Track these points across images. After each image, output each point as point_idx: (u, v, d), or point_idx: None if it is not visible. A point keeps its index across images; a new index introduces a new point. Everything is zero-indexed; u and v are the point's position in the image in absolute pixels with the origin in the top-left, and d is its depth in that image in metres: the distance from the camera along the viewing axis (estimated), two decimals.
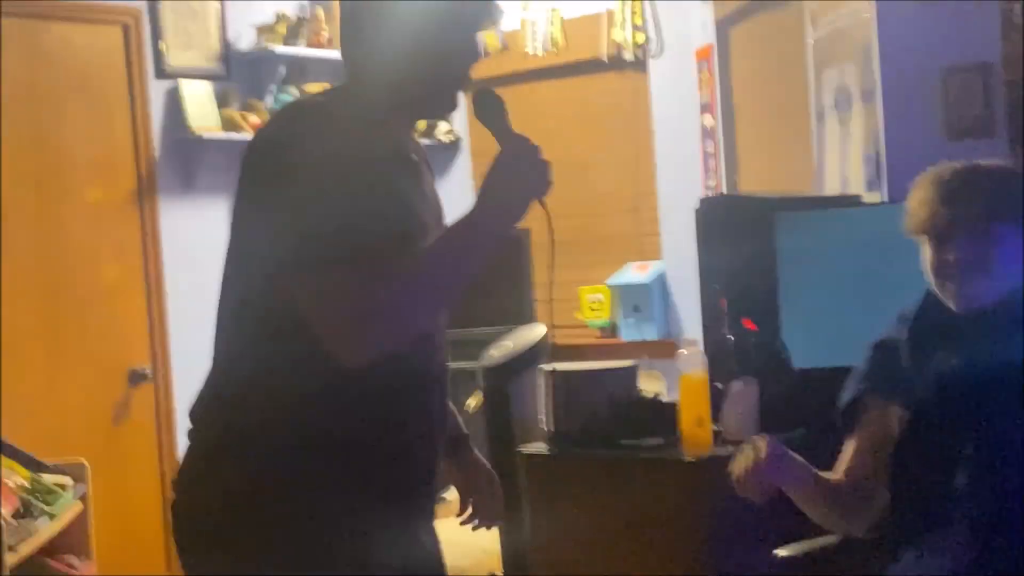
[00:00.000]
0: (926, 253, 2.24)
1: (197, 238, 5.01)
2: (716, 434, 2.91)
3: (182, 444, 2.04)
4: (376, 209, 1.80)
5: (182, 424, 5.01)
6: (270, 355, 1.87)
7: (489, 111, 1.91)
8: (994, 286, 2.19)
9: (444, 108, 2.04)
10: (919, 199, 2.23)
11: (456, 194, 5.86)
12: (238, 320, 1.93)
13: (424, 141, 5.66)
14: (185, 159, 5.05)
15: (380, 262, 1.76)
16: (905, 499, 2.24)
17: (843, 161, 3.60)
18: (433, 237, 1.95)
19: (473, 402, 3.85)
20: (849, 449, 2.34)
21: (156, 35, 4.95)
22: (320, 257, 1.75)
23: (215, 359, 1.98)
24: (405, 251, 1.83)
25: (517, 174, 1.85)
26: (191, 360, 4.80)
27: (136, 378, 4.83)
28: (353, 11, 2.00)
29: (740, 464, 2.19)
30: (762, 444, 2.19)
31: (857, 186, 3.48)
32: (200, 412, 1.97)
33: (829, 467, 2.35)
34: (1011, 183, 2.23)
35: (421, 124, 5.45)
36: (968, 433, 2.16)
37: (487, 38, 2.11)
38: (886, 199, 3.32)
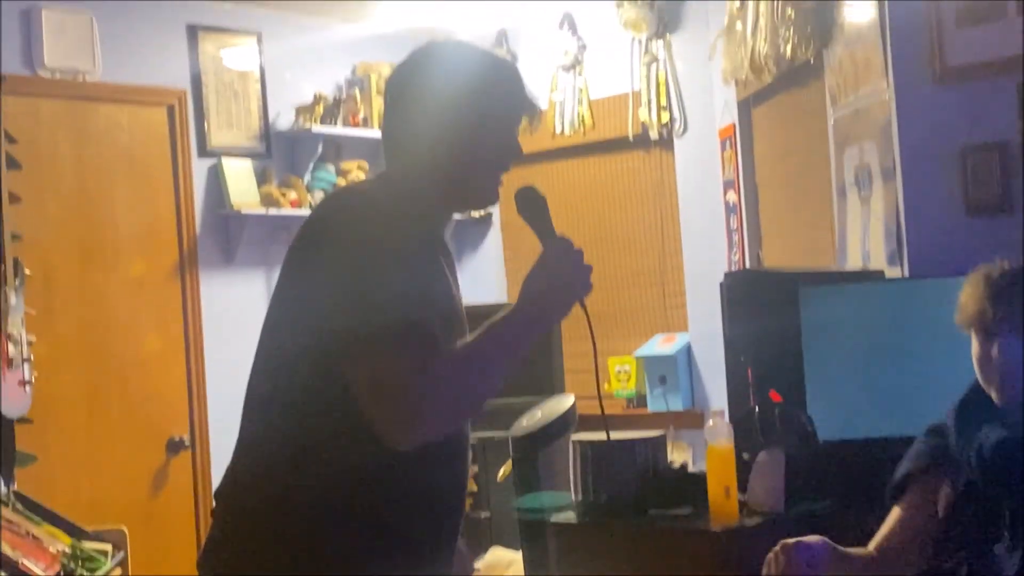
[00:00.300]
0: (974, 347, 2.27)
1: (236, 309, 5.05)
2: (743, 504, 2.89)
3: None
4: (426, 296, 1.81)
5: None
6: (310, 434, 1.85)
7: (532, 210, 1.93)
8: None
9: (486, 202, 2.08)
10: (969, 295, 2.27)
11: (488, 266, 5.90)
12: (276, 399, 1.90)
13: (456, 216, 5.70)
14: (225, 233, 5.11)
15: (431, 348, 1.76)
16: (950, 565, 2.25)
17: (864, 236, 3.60)
18: (462, 324, 1.96)
19: (502, 471, 3.83)
20: (892, 519, 2.36)
21: (200, 115, 5.04)
22: (373, 341, 1.74)
23: (249, 438, 1.95)
24: (451, 338, 1.84)
25: (559, 276, 1.87)
26: (229, 429, 4.82)
27: (175, 446, 4.85)
28: (399, 109, 2.00)
29: None
30: (783, 556, 2.18)
31: (878, 261, 3.48)
32: (229, 490, 1.95)
33: (855, 538, 2.33)
34: None
35: None
36: (1008, 507, 2.17)
37: None
38: (907, 274, 3.31)
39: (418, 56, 2.02)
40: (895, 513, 2.35)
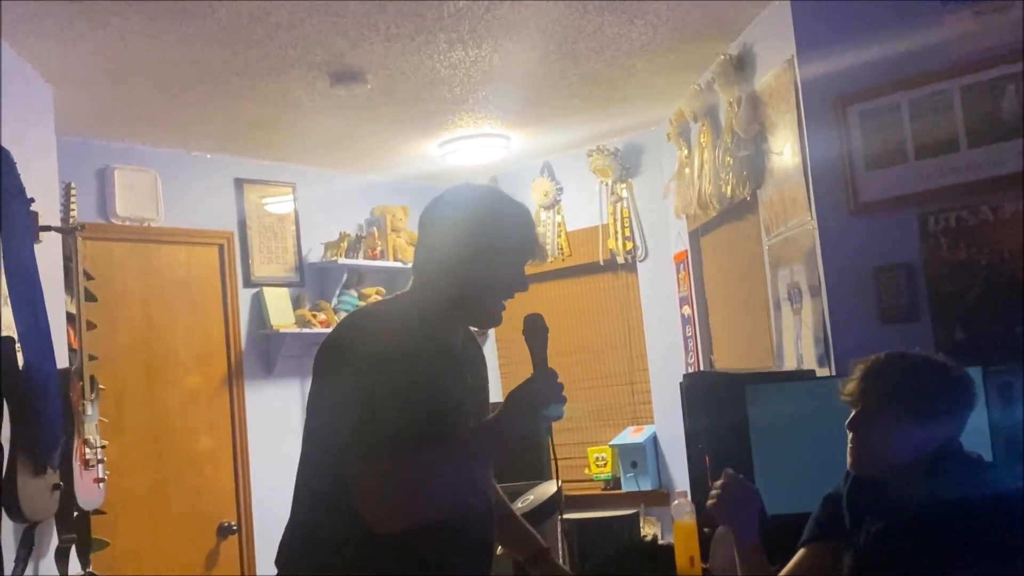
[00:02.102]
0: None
1: (275, 414, 5.02)
2: (705, 571, 2.86)
3: None
4: (418, 399, 1.78)
5: (261, 570, 4.91)
6: (335, 519, 1.84)
7: (534, 335, 1.92)
8: (879, 455, 2.11)
9: (490, 324, 2.03)
10: (852, 375, 2.19)
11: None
12: (310, 490, 1.92)
13: None
14: (266, 349, 5.11)
15: (414, 447, 1.73)
16: None
17: (797, 342, 3.62)
18: (474, 418, 1.96)
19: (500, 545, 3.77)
20: (792, 560, 2.29)
21: (245, 252, 5.09)
22: (363, 443, 1.74)
23: (295, 519, 1.95)
24: (442, 433, 1.80)
25: (539, 398, 1.85)
26: (270, 516, 4.76)
27: (224, 531, 4.79)
28: (428, 239, 2.01)
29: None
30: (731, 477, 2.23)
31: (809, 362, 3.49)
32: (283, 560, 1.96)
33: None
34: (920, 373, 2.11)
35: None
36: (886, 558, 2.10)
37: None
38: (834, 373, 3.32)
39: (450, 195, 2.01)
40: (796, 556, 2.29)
